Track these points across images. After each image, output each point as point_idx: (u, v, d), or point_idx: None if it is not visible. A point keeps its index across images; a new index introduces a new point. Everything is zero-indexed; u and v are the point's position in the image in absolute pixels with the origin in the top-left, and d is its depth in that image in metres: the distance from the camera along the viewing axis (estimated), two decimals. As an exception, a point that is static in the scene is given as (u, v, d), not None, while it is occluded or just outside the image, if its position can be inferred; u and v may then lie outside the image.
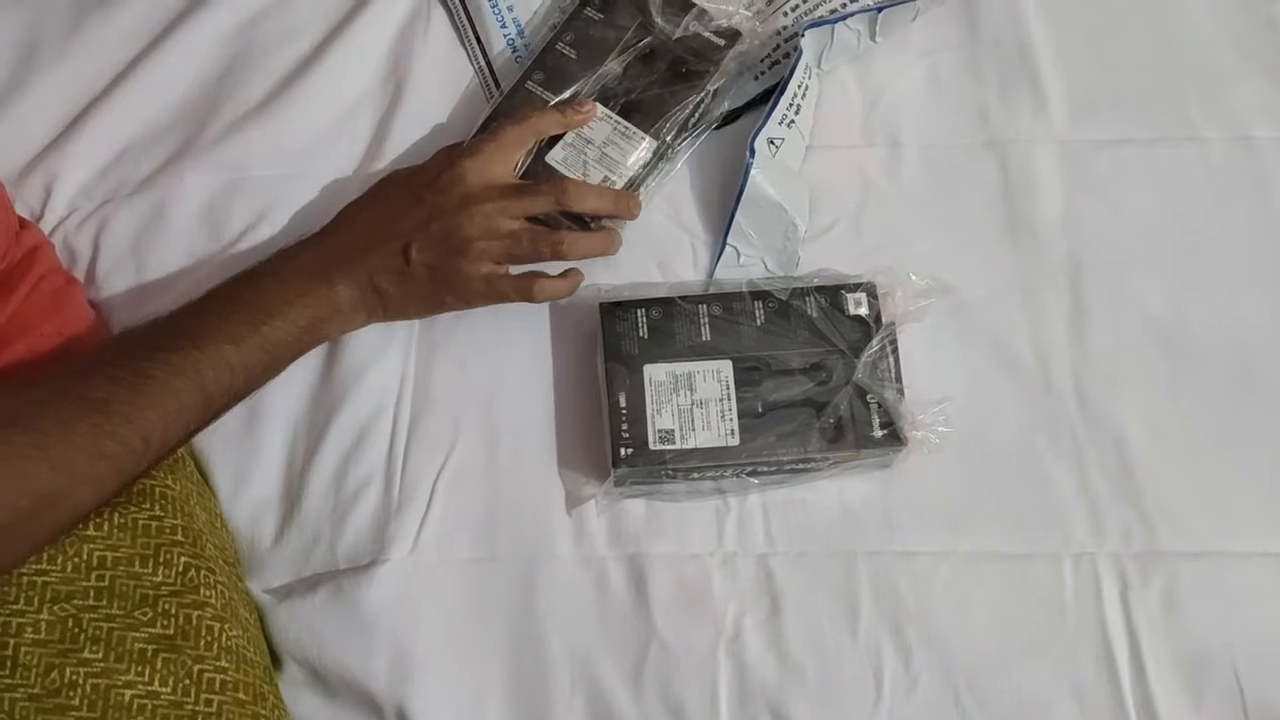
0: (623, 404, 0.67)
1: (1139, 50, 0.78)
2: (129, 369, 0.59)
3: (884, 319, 0.69)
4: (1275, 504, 0.68)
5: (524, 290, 0.69)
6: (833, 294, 0.69)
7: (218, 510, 0.69)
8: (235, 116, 0.76)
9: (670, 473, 0.67)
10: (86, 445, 0.56)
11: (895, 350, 0.68)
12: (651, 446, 0.66)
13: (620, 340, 0.68)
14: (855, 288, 0.69)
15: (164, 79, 0.77)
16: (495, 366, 0.71)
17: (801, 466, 0.67)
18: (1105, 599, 0.66)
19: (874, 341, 0.68)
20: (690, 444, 0.66)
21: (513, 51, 0.78)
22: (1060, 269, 0.73)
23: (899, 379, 0.68)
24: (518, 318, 0.71)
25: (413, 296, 0.68)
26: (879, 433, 0.66)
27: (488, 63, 0.78)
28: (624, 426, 0.66)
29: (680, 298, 0.70)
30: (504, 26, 0.78)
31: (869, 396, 0.67)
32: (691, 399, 0.67)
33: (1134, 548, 0.67)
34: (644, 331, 0.68)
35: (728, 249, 0.73)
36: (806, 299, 0.69)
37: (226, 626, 0.62)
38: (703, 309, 0.69)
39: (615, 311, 0.69)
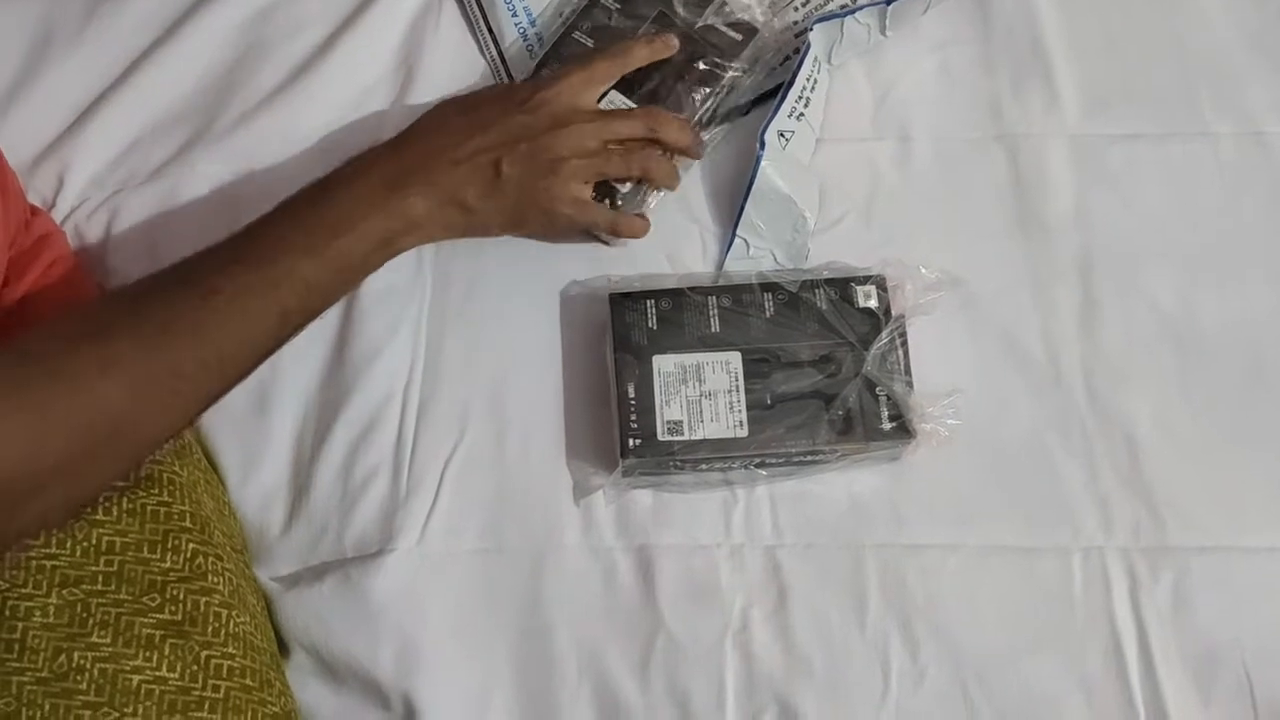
0: (631, 395, 0.67)
1: (1152, 45, 0.77)
2: (201, 287, 0.57)
3: (894, 312, 0.68)
4: (1285, 499, 0.68)
5: (612, 222, 0.70)
6: (842, 286, 0.69)
7: (225, 498, 0.69)
8: (247, 107, 0.76)
9: (678, 464, 0.66)
10: (163, 364, 0.54)
11: (905, 343, 0.68)
12: (660, 438, 0.66)
13: (629, 331, 0.68)
14: (865, 280, 0.69)
15: (176, 69, 0.77)
16: (504, 354, 0.71)
17: (810, 459, 0.67)
18: (1114, 593, 0.66)
19: (883, 334, 0.68)
20: (698, 435, 0.66)
21: (524, 41, 0.78)
22: (1071, 263, 0.72)
23: (908, 372, 0.67)
24: (527, 306, 0.72)
25: (497, 212, 0.68)
26: (888, 425, 0.66)
27: (499, 53, 0.78)
28: (632, 417, 0.66)
29: (690, 289, 0.69)
30: (515, 16, 0.78)
31: (878, 389, 0.67)
32: (700, 390, 0.67)
33: (1143, 542, 0.67)
34: (653, 322, 0.68)
35: (737, 240, 0.73)
36: (816, 291, 0.69)
37: (234, 613, 0.62)
38: (712, 300, 0.69)
39: (625, 302, 0.69)
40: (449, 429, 0.70)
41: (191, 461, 0.66)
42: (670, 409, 0.66)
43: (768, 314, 0.69)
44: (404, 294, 0.72)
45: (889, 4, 0.74)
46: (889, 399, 0.67)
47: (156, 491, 0.63)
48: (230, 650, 0.61)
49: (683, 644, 0.66)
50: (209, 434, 0.70)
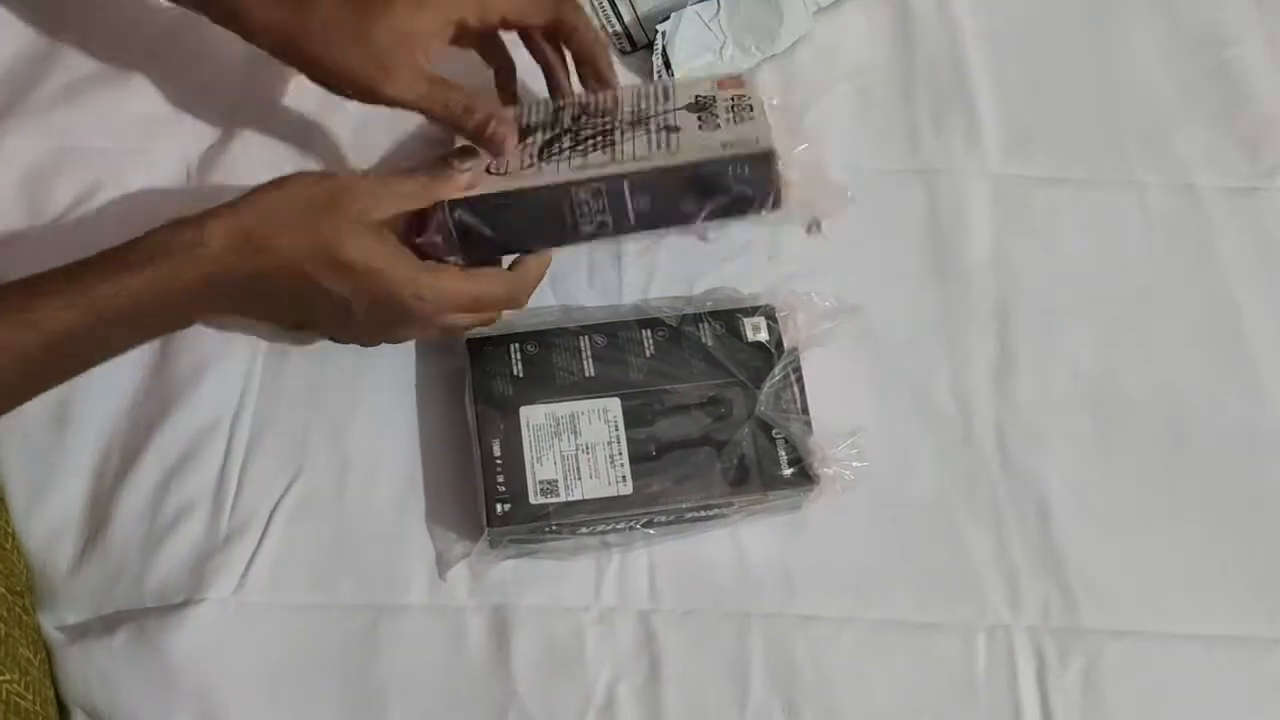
0: (497, 453, 0.59)
1: (1080, 86, 0.74)
2: None
3: (785, 345, 0.63)
4: (1206, 581, 0.63)
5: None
6: (728, 319, 0.63)
7: (8, 527, 0.60)
8: (72, 79, 0.68)
9: (554, 528, 0.59)
10: None
11: (800, 379, 0.62)
12: (531, 500, 0.58)
13: (491, 380, 0.61)
14: (753, 311, 0.64)
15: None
16: (353, 384, 0.63)
17: (703, 514, 0.60)
18: (1020, 678, 0.61)
19: (776, 370, 0.62)
20: (576, 495, 0.59)
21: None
22: (988, 312, 0.68)
23: (805, 410, 0.62)
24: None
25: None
26: (787, 470, 0.60)
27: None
28: (499, 479, 0.59)
29: (558, 329, 0.63)
30: None
31: (774, 431, 0.61)
32: (576, 443, 0.60)
33: (1053, 622, 0.62)
34: (518, 369, 0.61)
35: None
36: (700, 325, 0.63)
37: (-4, 669, 0.52)
38: (584, 340, 0.62)
39: (484, 348, 0.62)
40: (283, 464, 0.62)
41: (-36, 483, 0.57)
42: (543, 467, 0.59)
43: (648, 353, 0.62)
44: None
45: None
46: (786, 442, 0.61)
47: (-89, 518, 0.53)
48: (-15, 715, 0.51)
49: (537, 721, 0.59)
50: (-7, 449, 0.61)
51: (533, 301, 0.65)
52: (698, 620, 0.61)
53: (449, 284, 0.56)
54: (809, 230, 0.68)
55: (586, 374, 0.62)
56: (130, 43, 0.70)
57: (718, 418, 0.61)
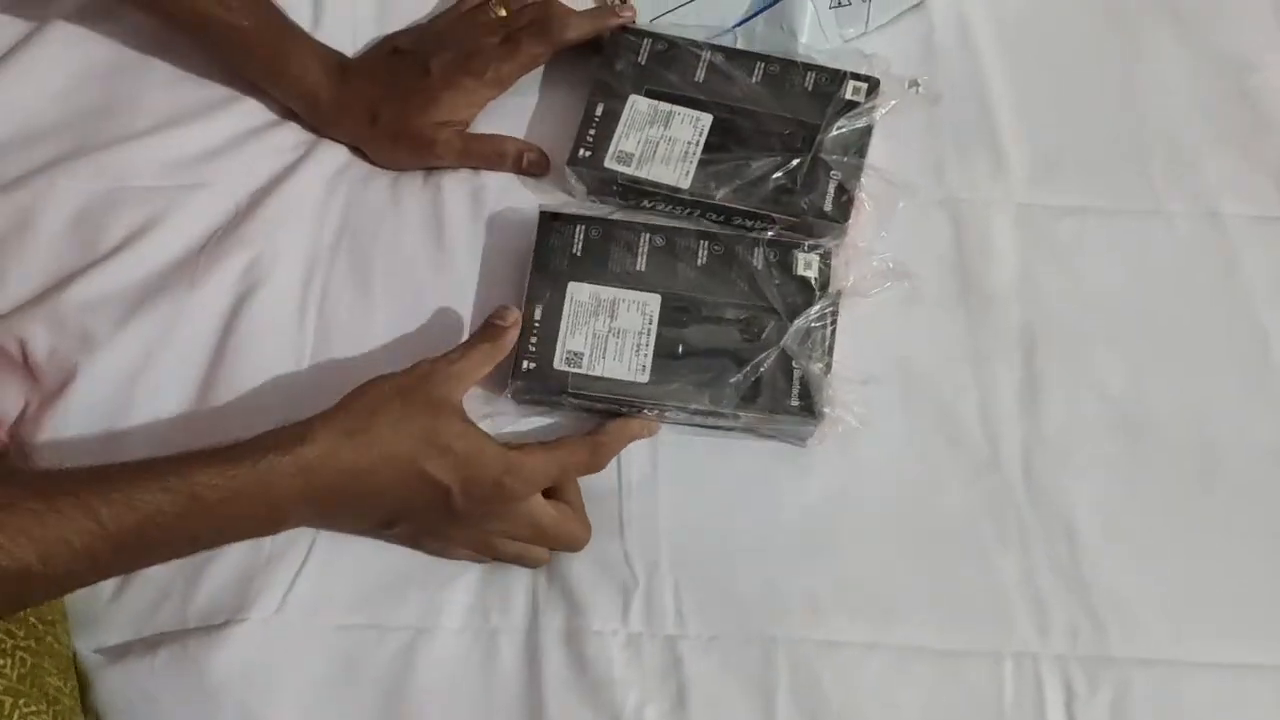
0: (536, 317, 0.64)
1: (1105, 114, 0.74)
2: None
3: (831, 288, 0.65)
4: (1236, 608, 0.63)
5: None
6: (783, 250, 0.66)
7: None
8: (123, 121, 0.70)
9: (572, 395, 0.63)
10: None
11: (834, 322, 0.65)
12: (555, 366, 0.63)
13: (551, 254, 0.65)
14: (809, 248, 0.66)
15: (45, 72, 0.71)
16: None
17: (711, 422, 0.64)
18: (1048, 707, 0.60)
19: (814, 308, 0.64)
20: (597, 371, 0.63)
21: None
22: (1014, 339, 0.68)
23: (830, 352, 0.64)
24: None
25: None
26: (795, 402, 0.63)
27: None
28: (532, 340, 0.63)
29: (623, 221, 0.67)
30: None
31: (794, 363, 0.64)
32: (610, 326, 0.64)
33: (1081, 650, 0.61)
34: (578, 248, 0.65)
35: None
36: (755, 250, 0.66)
37: (21, 702, 0.52)
38: (644, 237, 0.66)
39: (554, 223, 0.66)
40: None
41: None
42: (574, 339, 0.63)
43: (699, 262, 0.66)
44: (284, 336, 0.66)
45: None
46: (802, 377, 0.63)
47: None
48: (7, 749, 0.52)
49: (567, 743, 0.59)
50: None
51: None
52: (723, 645, 0.61)
53: (536, 460, 0.59)
54: (908, 86, 0.71)
55: (638, 268, 0.65)
56: (180, 86, 0.72)
57: (747, 338, 0.64)
